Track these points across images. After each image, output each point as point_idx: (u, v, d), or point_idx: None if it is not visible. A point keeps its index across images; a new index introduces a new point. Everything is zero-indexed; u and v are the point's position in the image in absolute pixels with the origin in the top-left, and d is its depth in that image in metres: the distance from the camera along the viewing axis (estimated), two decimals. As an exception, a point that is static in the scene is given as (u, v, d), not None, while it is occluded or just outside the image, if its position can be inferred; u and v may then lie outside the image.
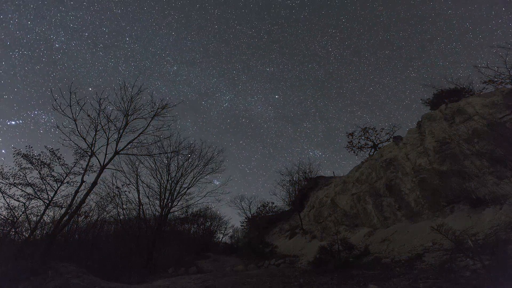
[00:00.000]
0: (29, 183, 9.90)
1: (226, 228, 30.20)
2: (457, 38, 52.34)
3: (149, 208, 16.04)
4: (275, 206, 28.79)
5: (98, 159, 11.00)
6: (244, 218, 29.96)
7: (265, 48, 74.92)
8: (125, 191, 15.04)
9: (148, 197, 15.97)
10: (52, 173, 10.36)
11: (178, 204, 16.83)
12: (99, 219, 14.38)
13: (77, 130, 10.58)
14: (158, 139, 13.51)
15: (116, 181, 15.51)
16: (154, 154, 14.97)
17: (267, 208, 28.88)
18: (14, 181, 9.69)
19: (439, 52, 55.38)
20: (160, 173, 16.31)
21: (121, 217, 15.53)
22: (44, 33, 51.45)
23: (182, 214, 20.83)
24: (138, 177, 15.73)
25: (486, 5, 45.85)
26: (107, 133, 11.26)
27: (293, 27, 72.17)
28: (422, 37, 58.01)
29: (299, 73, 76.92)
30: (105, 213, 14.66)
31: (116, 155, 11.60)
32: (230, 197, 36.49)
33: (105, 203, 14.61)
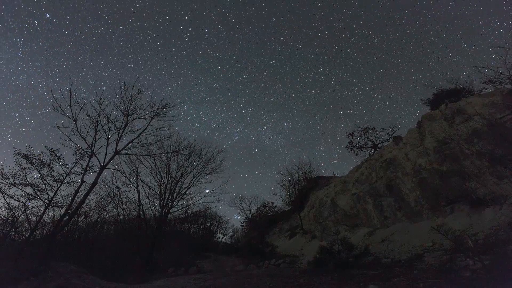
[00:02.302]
0: (29, 183, 9.86)
1: (226, 228, 30.25)
2: (452, 49, 52.94)
3: (149, 208, 16.03)
4: (275, 206, 28.78)
5: (98, 159, 11.00)
6: (244, 218, 29.98)
7: (267, 80, 77.94)
8: (125, 191, 15.01)
9: (148, 197, 15.96)
10: (52, 173, 10.34)
11: (178, 204, 16.81)
12: (99, 219, 14.36)
13: (77, 130, 10.58)
14: (158, 139, 13.52)
15: (116, 181, 15.55)
16: (154, 154, 14.95)
17: (267, 208, 28.86)
18: (14, 181, 9.66)
19: (437, 64, 55.98)
20: (160, 173, 16.30)
21: (121, 217, 15.53)
22: (67, 91, 57.30)
23: (182, 214, 20.80)
24: (138, 177, 15.72)
25: (471, 17, 46.36)
26: (107, 133, 11.25)
27: (290, 59, 75.51)
28: (417, 53, 58.84)
29: (304, 99, 78.97)
30: (105, 213, 14.65)
31: (116, 155, 11.59)
32: (230, 197, 36.46)
33: (105, 203, 14.60)
